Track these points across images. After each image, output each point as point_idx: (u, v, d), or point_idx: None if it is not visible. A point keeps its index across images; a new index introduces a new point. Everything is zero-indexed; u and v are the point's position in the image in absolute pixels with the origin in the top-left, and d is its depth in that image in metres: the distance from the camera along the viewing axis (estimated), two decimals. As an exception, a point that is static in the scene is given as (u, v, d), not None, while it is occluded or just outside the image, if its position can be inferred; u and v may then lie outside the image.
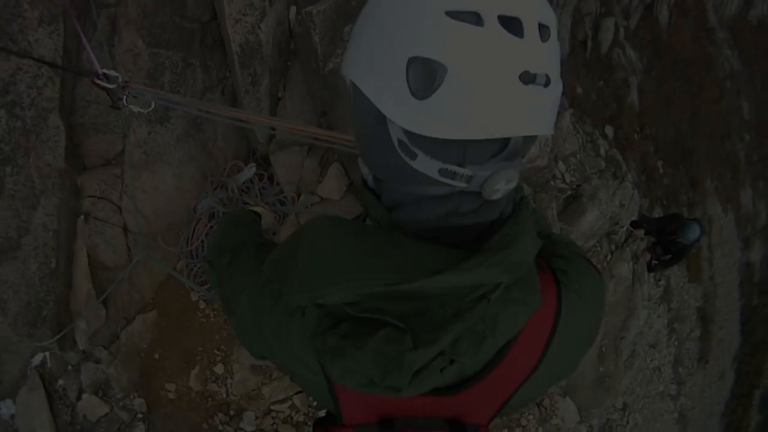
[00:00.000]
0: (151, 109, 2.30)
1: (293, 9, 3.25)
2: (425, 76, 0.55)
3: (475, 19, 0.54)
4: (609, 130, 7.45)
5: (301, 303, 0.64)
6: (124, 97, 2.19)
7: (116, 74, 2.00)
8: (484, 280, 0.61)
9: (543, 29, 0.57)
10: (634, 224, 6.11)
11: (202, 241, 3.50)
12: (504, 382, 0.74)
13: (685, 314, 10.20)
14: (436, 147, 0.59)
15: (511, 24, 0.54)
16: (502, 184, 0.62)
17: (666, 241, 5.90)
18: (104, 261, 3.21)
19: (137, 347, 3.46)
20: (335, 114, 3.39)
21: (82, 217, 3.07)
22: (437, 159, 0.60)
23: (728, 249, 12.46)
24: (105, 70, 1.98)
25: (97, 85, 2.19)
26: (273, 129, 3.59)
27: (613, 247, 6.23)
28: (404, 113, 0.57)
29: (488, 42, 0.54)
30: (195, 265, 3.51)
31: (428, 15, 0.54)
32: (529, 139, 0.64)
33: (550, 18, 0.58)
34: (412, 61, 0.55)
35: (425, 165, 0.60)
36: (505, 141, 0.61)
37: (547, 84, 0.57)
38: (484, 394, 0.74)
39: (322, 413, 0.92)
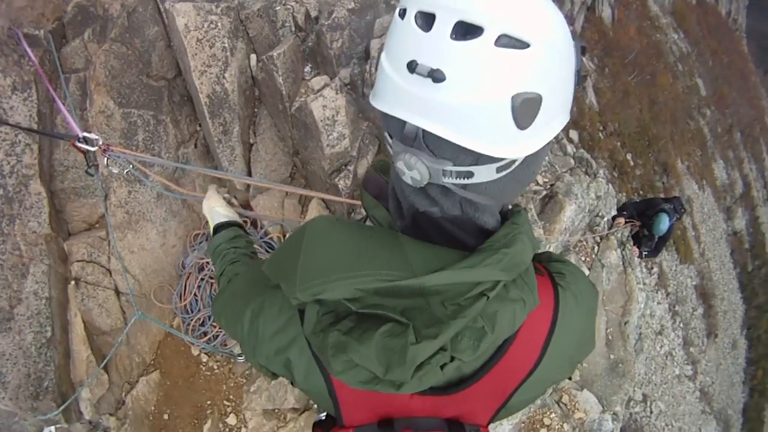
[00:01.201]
0: (129, 169, 2.43)
1: (253, 57, 3.46)
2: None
3: (402, 13, 0.63)
4: (574, 135, 7.77)
5: (303, 299, 0.66)
6: (105, 159, 2.32)
7: (96, 137, 2.11)
8: (484, 277, 0.65)
9: (467, 29, 0.57)
10: (618, 213, 6.42)
11: (195, 295, 3.59)
12: (503, 382, 0.77)
13: (684, 295, 10.39)
14: (381, 117, 0.70)
15: (426, 19, 0.60)
16: (402, 165, 0.67)
17: (648, 225, 6.20)
18: (100, 325, 3.26)
19: (145, 410, 3.47)
20: (307, 151, 3.55)
21: (73, 282, 3.13)
22: (384, 128, 0.72)
23: (712, 223, 12.82)
24: (85, 133, 2.09)
25: (77, 148, 2.30)
26: (250, 175, 3.78)
27: (598, 238, 6.45)
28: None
29: (399, 31, 0.63)
30: (191, 320, 3.58)
31: (395, 18, 0.66)
32: (437, 137, 0.62)
33: (495, 22, 0.57)
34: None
35: (384, 133, 0.72)
36: (404, 124, 0.64)
37: (437, 80, 0.58)
38: (483, 394, 0.77)
39: (322, 416, 0.94)
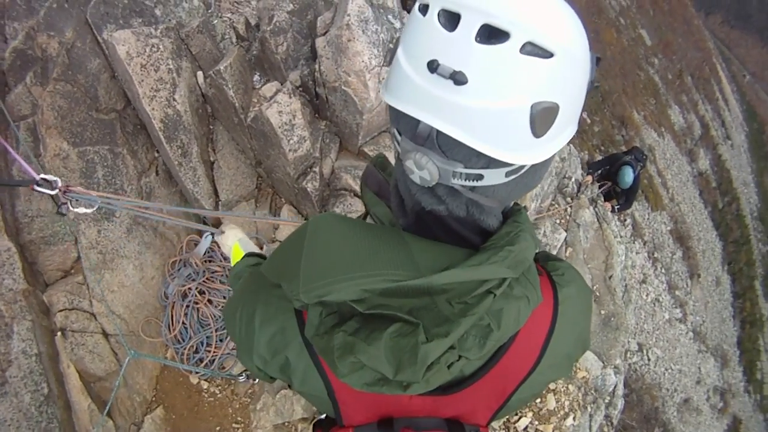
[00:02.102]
0: (95, 208, 2.45)
1: (200, 74, 3.49)
2: (392, 49, 0.69)
3: (423, 9, 0.63)
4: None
5: (307, 301, 0.66)
6: (69, 201, 2.33)
7: (55, 178, 2.12)
8: (490, 275, 0.66)
9: (492, 32, 0.58)
10: (588, 172, 6.69)
11: (183, 323, 3.60)
12: (503, 382, 0.79)
13: (660, 241, 10.76)
14: (391, 109, 0.69)
15: (450, 18, 0.60)
16: (412, 164, 0.67)
17: (615, 181, 6.50)
18: (94, 372, 3.25)
19: (155, 448, 3.48)
20: (269, 159, 3.60)
21: (59, 333, 3.11)
22: (392, 123, 0.71)
23: (677, 168, 13.29)
24: (43, 176, 2.10)
25: (38, 191, 2.30)
26: (217, 196, 3.81)
27: (569, 199, 6.67)
28: (383, 82, 0.72)
29: (420, 28, 0.63)
30: (184, 349, 3.59)
31: (415, 13, 0.65)
32: (451, 139, 0.62)
33: (522, 29, 0.57)
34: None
35: (391, 128, 0.72)
36: (418, 123, 0.64)
37: (459, 82, 0.58)
38: (483, 394, 0.78)
39: (323, 415, 0.95)
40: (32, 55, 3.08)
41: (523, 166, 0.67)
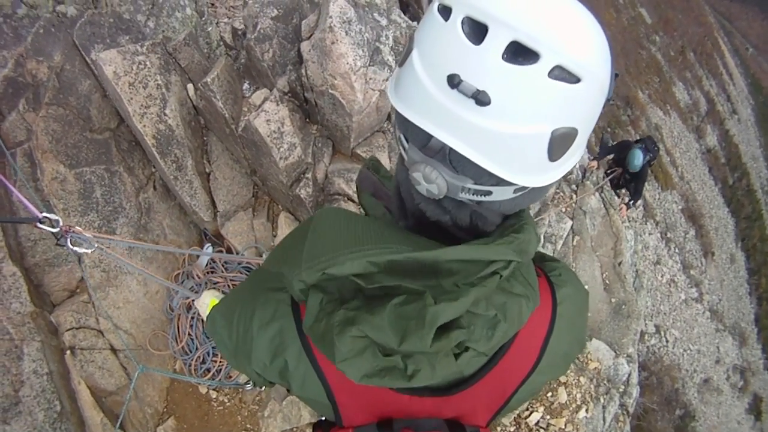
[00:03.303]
0: (94, 250, 2.50)
1: (190, 87, 3.54)
2: (406, 47, 0.65)
3: (445, 13, 0.59)
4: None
5: (308, 279, 0.65)
6: (68, 240, 2.38)
7: (57, 218, 2.13)
8: (498, 256, 0.65)
9: (519, 50, 0.55)
10: (594, 158, 6.64)
11: (189, 335, 3.67)
12: (503, 382, 0.79)
13: (672, 221, 10.69)
14: (399, 114, 0.66)
15: (475, 28, 0.56)
16: (419, 176, 0.65)
17: (624, 165, 6.39)
18: (105, 387, 3.32)
19: (168, 459, 3.56)
20: (263, 168, 3.64)
21: (69, 352, 3.18)
22: (398, 127, 0.69)
23: (685, 145, 13.17)
24: (46, 214, 2.13)
25: (41, 229, 2.36)
26: (215, 207, 3.86)
27: (574, 186, 6.64)
28: (391, 81, 0.69)
29: (441, 36, 0.59)
30: (192, 360, 3.66)
31: (434, 16, 0.61)
32: (462, 156, 0.61)
33: (553, 51, 0.54)
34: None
35: (396, 132, 0.70)
36: (430, 137, 0.62)
37: (481, 102, 0.55)
38: (484, 395, 0.78)
39: (323, 417, 0.93)
40: (23, 81, 3.15)
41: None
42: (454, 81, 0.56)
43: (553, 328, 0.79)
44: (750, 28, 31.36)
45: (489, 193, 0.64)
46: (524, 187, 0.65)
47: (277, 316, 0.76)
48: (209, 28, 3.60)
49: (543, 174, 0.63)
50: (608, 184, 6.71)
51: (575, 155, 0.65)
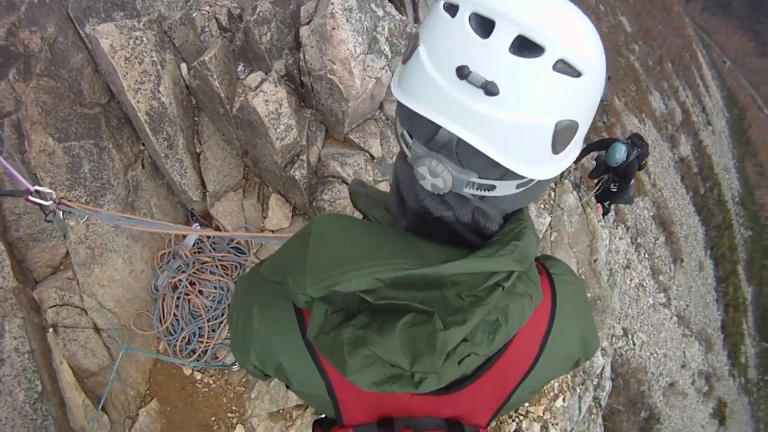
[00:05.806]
0: (85, 220, 2.52)
1: (183, 66, 3.59)
2: (410, 44, 0.68)
3: (452, 9, 0.63)
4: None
5: (314, 294, 0.66)
6: (60, 213, 2.39)
7: (49, 191, 2.15)
8: (499, 267, 0.68)
9: (525, 44, 0.58)
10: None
11: (174, 315, 3.71)
12: (503, 380, 0.80)
13: (643, 227, 11.09)
14: (403, 110, 0.69)
15: (482, 24, 0.60)
16: (425, 170, 0.67)
17: (606, 162, 6.48)
18: (87, 367, 3.33)
19: (151, 440, 3.59)
20: (256, 149, 3.70)
21: (51, 329, 3.19)
22: (401, 124, 0.71)
23: (658, 153, 13.67)
24: (38, 188, 2.14)
25: (32, 202, 2.29)
26: (204, 188, 3.91)
27: (552, 185, 6.86)
28: (394, 79, 0.73)
29: (449, 30, 0.62)
30: (176, 341, 3.69)
31: (440, 12, 0.65)
32: (470, 148, 0.63)
33: (557, 45, 0.58)
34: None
35: (398, 128, 0.72)
36: (437, 129, 0.64)
37: (490, 93, 0.58)
38: (483, 393, 0.79)
39: (323, 414, 0.95)
40: (14, 51, 3.15)
41: (533, 180, 0.69)
42: (463, 72, 0.59)
43: (553, 326, 0.82)
44: (728, 42, 32.68)
45: (493, 187, 0.67)
46: (527, 182, 0.68)
47: (278, 312, 0.78)
48: (194, 14, 3.65)
49: (546, 166, 0.67)
50: (593, 200, 6.72)
51: (575, 150, 0.70)
